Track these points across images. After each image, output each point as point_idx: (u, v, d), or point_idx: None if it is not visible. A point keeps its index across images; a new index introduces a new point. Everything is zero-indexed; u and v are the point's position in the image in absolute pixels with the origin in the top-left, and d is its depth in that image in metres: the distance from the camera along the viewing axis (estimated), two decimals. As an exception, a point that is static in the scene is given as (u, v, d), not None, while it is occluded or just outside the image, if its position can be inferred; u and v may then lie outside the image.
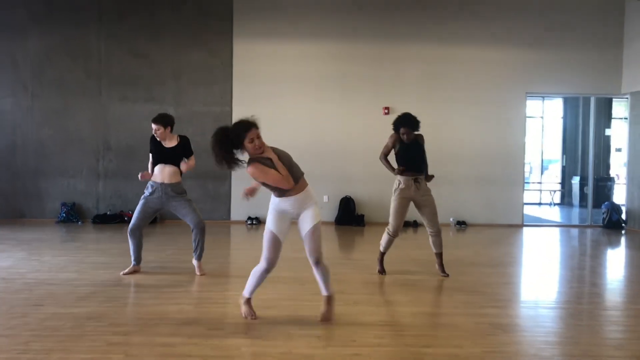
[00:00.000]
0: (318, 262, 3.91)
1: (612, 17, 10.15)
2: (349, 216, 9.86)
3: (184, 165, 5.50)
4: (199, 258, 5.54)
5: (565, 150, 15.05)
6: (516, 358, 3.35)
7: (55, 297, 4.51)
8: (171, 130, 5.48)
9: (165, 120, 5.41)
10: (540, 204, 15.10)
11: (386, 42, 9.99)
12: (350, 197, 10.00)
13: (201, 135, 10.07)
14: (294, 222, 3.96)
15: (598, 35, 10.11)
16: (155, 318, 3.98)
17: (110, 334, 3.59)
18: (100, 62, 9.81)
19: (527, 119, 10.56)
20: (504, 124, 10.16)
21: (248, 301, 4.07)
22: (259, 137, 3.81)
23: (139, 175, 5.39)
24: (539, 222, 11.03)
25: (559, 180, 15.44)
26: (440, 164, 9.68)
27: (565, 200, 14.86)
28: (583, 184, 13.19)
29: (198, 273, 5.48)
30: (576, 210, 13.36)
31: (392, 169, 5.66)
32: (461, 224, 9.87)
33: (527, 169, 19.79)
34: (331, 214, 9.97)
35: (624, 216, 10.01)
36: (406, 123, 5.56)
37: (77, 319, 3.92)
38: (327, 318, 3.93)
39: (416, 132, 5.65)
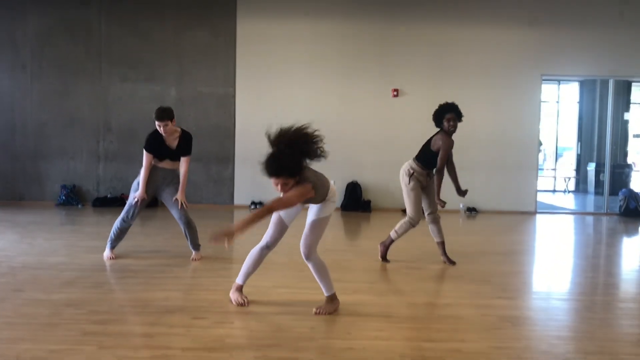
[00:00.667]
0: (307, 258, 3.64)
1: (633, -5, 9.70)
2: (355, 202, 9.57)
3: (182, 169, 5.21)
4: (195, 249, 5.30)
5: (580, 136, 14.61)
6: (525, 355, 3.05)
7: (38, 282, 4.28)
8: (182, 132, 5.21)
9: (168, 114, 5.04)
10: (554, 191, 14.70)
11: (396, 22, 9.62)
12: (357, 183, 9.70)
13: (204, 117, 9.82)
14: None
15: (617, 15, 9.66)
16: (139, 305, 3.74)
17: (87, 323, 3.35)
18: (100, 42, 9.54)
19: (542, 103, 10.15)
20: (518, 109, 9.77)
21: (240, 288, 3.82)
22: (277, 184, 3.32)
23: (136, 199, 5.12)
24: (552, 210, 10.67)
25: (574, 167, 15.02)
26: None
27: (580, 187, 14.45)
28: (599, 170, 12.77)
29: (194, 258, 5.24)
30: (591, 198, 12.96)
31: (459, 189, 5.38)
32: (472, 211, 9.55)
33: (541, 155, 19.44)
34: (337, 200, 9.67)
35: (642, 204, 9.63)
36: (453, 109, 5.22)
37: (55, 305, 3.68)
38: (324, 312, 3.66)
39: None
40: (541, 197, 10.97)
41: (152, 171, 5.13)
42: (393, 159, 9.53)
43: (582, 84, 14.22)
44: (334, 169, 9.69)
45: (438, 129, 5.30)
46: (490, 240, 6.90)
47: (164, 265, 5.00)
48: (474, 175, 9.53)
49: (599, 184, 12.52)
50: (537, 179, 10.01)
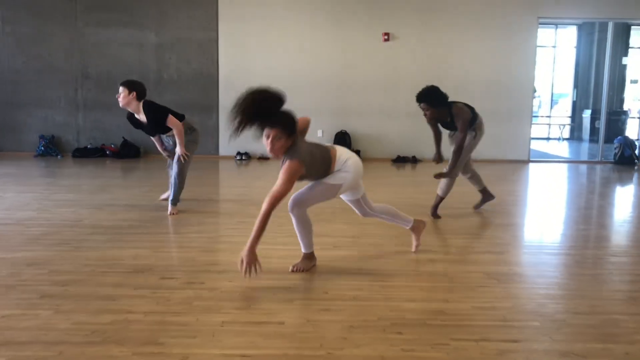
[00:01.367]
0: (291, 210, 3.39)
1: None
2: (344, 151, 9.29)
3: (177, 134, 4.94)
4: (172, 203, 5.06)
5: (577, 82, 14.25)
6: (511, 315, 2.87)
7: (1, 239, 4.05)
8: (138, 98, 4.79)
9: (130, 85, 4.74)
10: (548, 138, 14.47)
11: (386, -39, 9.12)
12: (346, 132, 9.42)
13: (186, 63, 9.40)
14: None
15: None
16: (105, 265, 3.52)
17: (47, 284, 3.14)
18: (74, -17, 9.03)
19: (538, 48, 9.76)
20: (513, 54, 9.41)
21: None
22: (268, 136, 3.10)
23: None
24: (546, 158, 10.46)
25: (569, 114, 14.73)
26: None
27: (575, 134, 14.22)
28: (595, 117, 12.51)
29: (171, 212, 5.01)
30: (586, 146, 12.75)
31: (439, 153, 5.26)
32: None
33: (536, 102, 19.08)
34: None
35: (637, 152, 9.42)
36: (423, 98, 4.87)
37: (16, 265, 3.46)
38: (300, 270, 3.46)
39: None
40: (535, 145, 10.74)
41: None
42: (384, 107, 9.25)
43: (580, 28, 13.78)
44: (323, 117, 9.40)
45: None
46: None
47: (137, 220, 4.77)
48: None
49: (594, 131, 12.30)
50: (530, 127, 9.75)
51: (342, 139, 9.34)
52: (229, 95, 9.29)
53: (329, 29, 9.22)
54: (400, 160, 9.27)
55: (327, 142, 9.38)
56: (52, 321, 2.65)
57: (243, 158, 9.18)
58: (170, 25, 9.13)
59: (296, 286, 3.22)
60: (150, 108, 4.82)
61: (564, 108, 15.21)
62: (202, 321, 2.69)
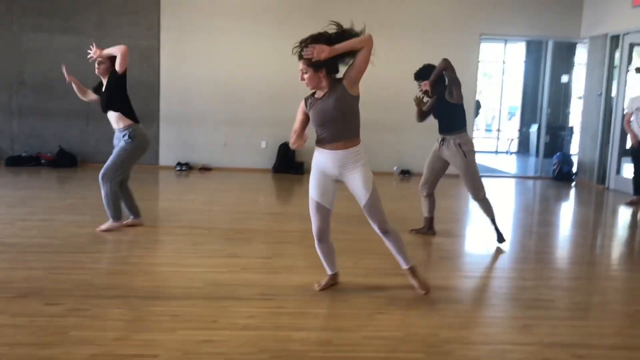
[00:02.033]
0: (385, 232, 3.40)
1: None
2: (288, 164, 9.22)
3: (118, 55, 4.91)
4: (113, 219, 4.91)
5: (525, 97, 14.49)
6: (400, 346, 2.81)
7: None
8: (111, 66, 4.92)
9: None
10: (496, 152, 14.67)
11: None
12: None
13: (127, 72, 9.15)
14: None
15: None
16: (-9, 289, 3.35)
17: None
18: (10, -14, 8.75)
19: (485, 63, 9.86)
20: (455, 68, 9.44)
21: (330, 277, 3.62)
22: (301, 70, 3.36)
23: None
24: (490, 173, 10.57)
25: (518, 128, 14.97)
26: (384, 109, 9.06)
27: (521, 149, 14.45)
28: (541, 132, 12.70)
29: (103, 229, 4.84)
30: (532, 160, 12.94)
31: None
32: (405, 173, 9.33)
33: (490, 115, 19.33)
34: (269, 161, 9.34)
35: (575, 168, 9.59)
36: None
37: None
38: (422, 289, 3.53)
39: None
40: (481, 160, 10.84)
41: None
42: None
43: (529, 44, 14.01)
44: (266, 128, 9.32)
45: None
46: (416, 207, 6.69)
47: (47, 237, 4.58)
48: (408, 136, 9.27)
49: (540, 146, 12.48)
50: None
51: (286, 151, 9.25)
52: (170, 104, 9.14)
53: (273, 38, 9.13)
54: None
55: (271, 154, 9.31)
56: None
57: (183, 168, 9.01)
58: (110, 33, 8.90)
59: (185, 314, 3.11)
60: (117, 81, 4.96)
61: (515, 122, 15.45)
62: (71, 354, 2.56)
